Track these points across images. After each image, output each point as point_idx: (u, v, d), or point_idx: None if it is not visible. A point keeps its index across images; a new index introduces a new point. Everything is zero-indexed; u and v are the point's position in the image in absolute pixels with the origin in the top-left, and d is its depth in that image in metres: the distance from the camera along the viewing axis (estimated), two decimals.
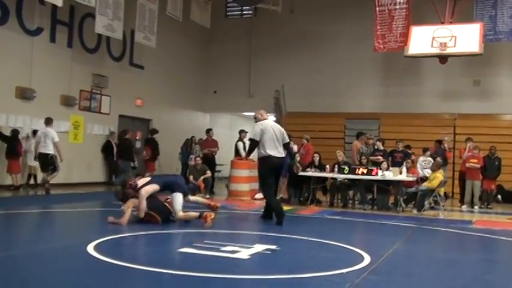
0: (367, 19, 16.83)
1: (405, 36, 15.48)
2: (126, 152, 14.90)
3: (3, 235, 6.83)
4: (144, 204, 7.46)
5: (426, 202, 10.95)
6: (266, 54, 20.06)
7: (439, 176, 11.05)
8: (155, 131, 16.78)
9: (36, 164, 12.83)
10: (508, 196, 14.74)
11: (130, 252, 6.05)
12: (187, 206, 8.10)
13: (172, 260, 5.56)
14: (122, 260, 5.09)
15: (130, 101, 17.11)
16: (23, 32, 13.38)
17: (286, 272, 4.95)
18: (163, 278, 4.59)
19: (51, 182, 12.20)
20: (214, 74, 21.02)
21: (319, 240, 6.86)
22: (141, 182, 7.79)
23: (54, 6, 13.27)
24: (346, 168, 11.62)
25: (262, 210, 9.04)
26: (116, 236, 6.47)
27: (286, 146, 8.75)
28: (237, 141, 14.24)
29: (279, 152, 8.54)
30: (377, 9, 16.32)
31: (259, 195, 11.81)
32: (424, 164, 12.59)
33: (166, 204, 7.83)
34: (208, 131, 15.68)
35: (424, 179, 11.89)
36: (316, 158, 12.39)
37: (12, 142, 12.69)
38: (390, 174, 11.23)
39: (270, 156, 8.42)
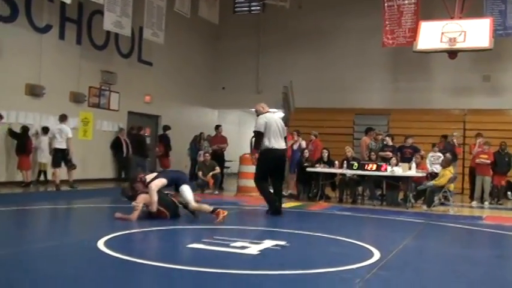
0: (375, 14, 16.74)
1: (414, 31, 15.35)
2: (141, 148, 14.94)
3: (14, 231, 6.89)
4: (155, 197, 7.50)
5: (436, 198, 10.89)
6: (274, 50, 20.04)
7: (448, 173, 10.94)
8: (168, 127, 16.90)
9: (46, 160, 12.93)
10: None
11: (139, 248, 6.07)
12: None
13: (181, 255, 5.58)
14: (132, 255, 5.10)
15: (139, 97, 17.19)
16: (32, 30, 13.47)
17: (295, 268, 4.94)
18: (173, 273, 4.59)
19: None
20: (222, 70, 21.04)
21: (328, 236, 6.84)
22: (148, 177, 7.87)
23: (63, 4, 13.33)
24: (355, 164, 11.58)
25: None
26: (125, 232, 6.49)
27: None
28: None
29: (282, 145, 8.84)
30: (386, 4, 16.23)
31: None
32: (433, 160, 12.50)
33: (174, 200, 7.88)
34: (218, 127, 15.76)
35: (433, 174, 11.79)
36: (325, 154, 12.35)
37: (23, 139, 12.77)
38: (399, 170, 11.17)
39: (273, 149, 8.58)
